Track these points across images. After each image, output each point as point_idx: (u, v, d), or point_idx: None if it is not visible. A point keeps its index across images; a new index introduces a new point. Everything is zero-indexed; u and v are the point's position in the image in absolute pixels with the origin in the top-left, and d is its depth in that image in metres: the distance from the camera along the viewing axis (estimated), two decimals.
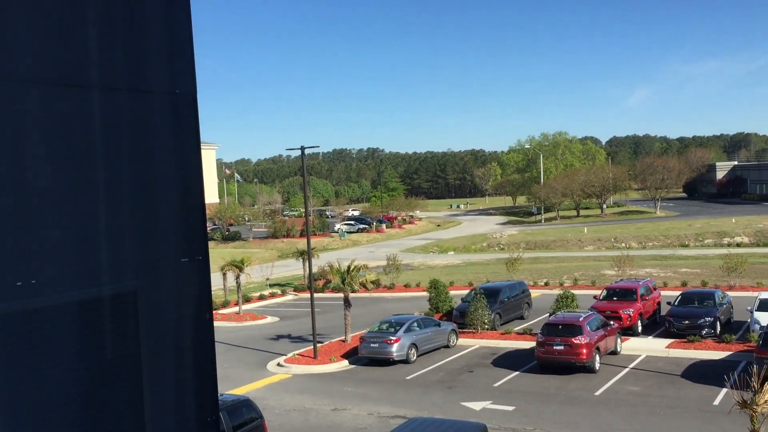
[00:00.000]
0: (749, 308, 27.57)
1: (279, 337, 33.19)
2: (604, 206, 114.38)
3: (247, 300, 43.01)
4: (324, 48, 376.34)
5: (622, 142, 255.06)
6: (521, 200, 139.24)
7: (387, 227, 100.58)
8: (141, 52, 3.88)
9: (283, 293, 47.49)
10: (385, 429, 18.40)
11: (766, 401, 11.74)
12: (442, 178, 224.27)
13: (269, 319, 38.45)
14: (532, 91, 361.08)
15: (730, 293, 32.86)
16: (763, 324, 24.10)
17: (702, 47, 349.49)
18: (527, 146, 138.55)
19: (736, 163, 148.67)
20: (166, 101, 4.03)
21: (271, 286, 49.94)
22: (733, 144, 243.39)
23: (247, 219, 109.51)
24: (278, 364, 27.80)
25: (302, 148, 30.14)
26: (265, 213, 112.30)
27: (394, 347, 26.26)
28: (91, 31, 3.60)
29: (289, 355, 28.78)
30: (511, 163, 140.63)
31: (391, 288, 44.92)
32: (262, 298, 45.06)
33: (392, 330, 27.00)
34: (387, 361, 26.50)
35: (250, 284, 47.18)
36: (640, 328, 29.06)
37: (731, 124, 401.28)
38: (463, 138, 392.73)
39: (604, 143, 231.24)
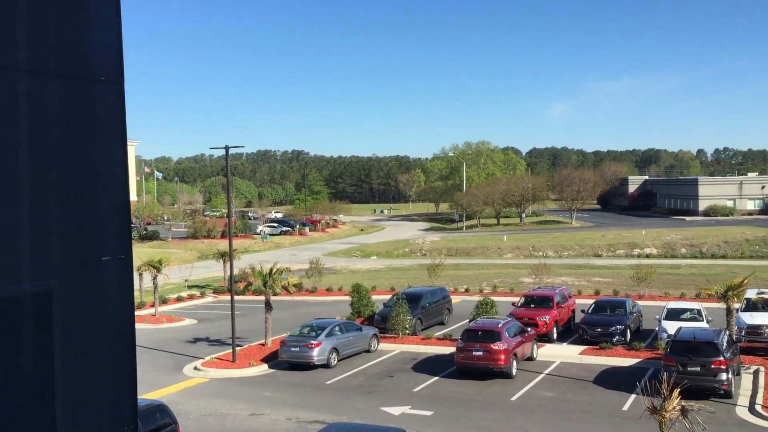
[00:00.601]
0: (657, 317, 28.76)
1: (197, 340, 32.38)
2: (523, 215, 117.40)
3: (164, 302, 41.78)
4: (250, 49, 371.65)
5: (542, 154, 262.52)
6: (444, 207, 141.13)
7: (310, 230, 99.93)
8: (66, 35, 3.63)
9: (202, 295, 46.42)
10: None
11: (674, 408, 12.25)
12: (367, 183, 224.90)
13: (187, 322, 37.48)
14: (457, 100, 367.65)
15: (640, 302, 34.27)
16: (671, 332, 25.18)
17: (618, 66, 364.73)
18: (451, 154, 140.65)
19: (646, 177, 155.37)
20: (92, 89, 3.78)
21: (190, 287, 48.73)
22: (644, 159, 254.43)
23: (166, 218, 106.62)
24: (195, 368, 27.10)
25: (226, 148, 29.57)
26: (186, 213, 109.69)
27: (315, 351, 26.06)
28: (19, 13, 3.34)
29: (207, 358, 28.12)
30: (434, 171, 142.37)
31: (313, 291, 44.61)
32: (180, 299, 43.89)
33: (313, 334, 26.80)
34: (307, 366, 26.26)
35: (168, 285, 45.91)
36: (555, 335, 29.88)
37: (643, 141, 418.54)
38: (389, 143, 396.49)
39: (524, 154, 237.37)
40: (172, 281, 45.47)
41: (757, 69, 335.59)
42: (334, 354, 26.75)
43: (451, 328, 33.13)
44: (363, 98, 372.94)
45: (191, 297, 45.40)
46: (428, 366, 26.40)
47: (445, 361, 26.57)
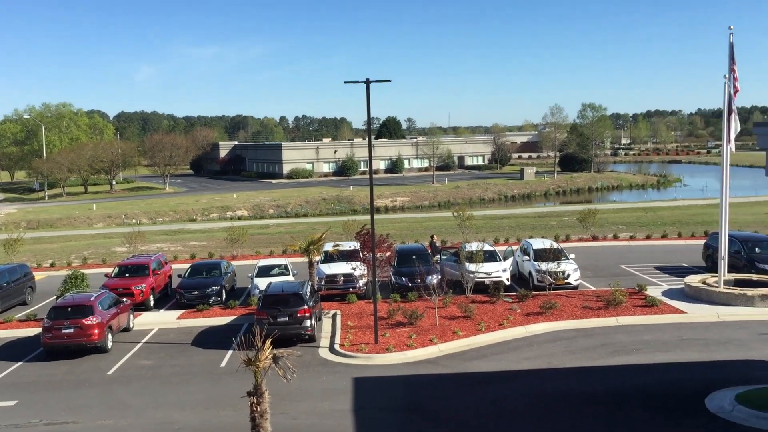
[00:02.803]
0: (250, 275, 30.41)
1: None
2: (114, 182, 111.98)
3: None
4: None
5: (131, 118, 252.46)
6: (20, 176, 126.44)
7: None
8: None
9: None
10: None
11: (266, 357, 13.15)
12: None
13: None
14: (33, 58, 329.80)
15: (234, 262, 35.77)
16: (262, 288, 26.84)
17: (205, 31, 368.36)
18: (27, 116, 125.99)
19: (236, 143, 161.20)
20: None
21: None
22: (233, 125, 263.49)
23: None
24: None
25: None
26: None
27: None
28: None
29: None
30: (7, 135, 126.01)
31: None
32: None
33: None
34: None
35: None
36: (152, 303, 29.42)
37: (232, 107, 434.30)
38: None
39: (112, 118, 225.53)
40: None
41: (318, 44, 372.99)
42: None
43: (36, 307, 30.20)
44: None
45: None
46: (9, 351, 23.68)
47: (31, 344, 24.19)
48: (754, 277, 28.07)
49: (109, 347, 23.43)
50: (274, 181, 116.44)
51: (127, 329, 25.80)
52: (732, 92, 25.32)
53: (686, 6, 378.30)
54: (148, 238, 47.74)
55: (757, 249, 30.45)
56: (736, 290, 26.16)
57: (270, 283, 25.97)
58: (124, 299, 26.52)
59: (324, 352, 22.50)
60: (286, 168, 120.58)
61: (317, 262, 30.37)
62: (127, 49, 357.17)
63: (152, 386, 19.86)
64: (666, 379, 18.57)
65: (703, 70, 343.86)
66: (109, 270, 33.11)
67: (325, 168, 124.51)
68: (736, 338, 22.08)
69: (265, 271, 30.03)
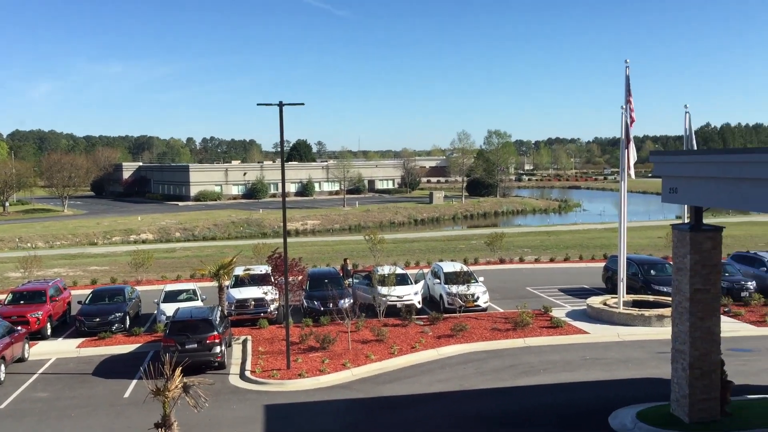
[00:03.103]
0: (156, 300, 29.37)
1: None
2: (7, 204, 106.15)
3: None
4: None
5: (27, 137, 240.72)
6: None
7: None
8: None
9: None
10: None
11: (177, 386, 12.69)
12: None
13: None
14: None
15: (139, 288, 34.48)
16: (169, 314, 25.97)
17: (107, 49, 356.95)
18: None
19: (140, 164, 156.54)
20: None
21: None
22: (137, 146, 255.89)
23: None
24: None
25: None
26: None
27: None
28: None
29: None
30: None
31: None
32: None
33: None
34: None
35: None
36: (49, 331, 27.90)
37: (136, 127, 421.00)
38: None
39: (6, 136, 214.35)
40: None
41: (236, 63, 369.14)
42: None
43: None
44: None
45: None
46: None
47: None
48: (651, 297, 29.50)
49: (2, 379, 21.99)
50: (180, 203, 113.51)
51: (21, 359, 24.32)
52: (629, 122, 26.74)
53: (583, 40, 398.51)
54: (45, 263, 45.41)
55: (652, 271, 32.06)
56: (635, 311, 27.39)
57: (178, 309, 25.15)
58: (19, 327, 25.02)
59: (234, 379, 21.93)
60: (194, 190, 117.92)
61: (227, 287, 29.73)
62: (23, 65, 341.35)
63: (48, 420, 18.73)
64: (572, 398, 19.16)
65: (600, 101, 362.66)
66: (1, 297, 31.18)
67: (234, 191, 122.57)
68: (636, 357, 23.09)
69: (172, 297, 29.10)
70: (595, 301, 29.24)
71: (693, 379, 16.34)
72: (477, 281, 30.54)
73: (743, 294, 30.41)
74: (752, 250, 38.64)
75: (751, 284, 31.22)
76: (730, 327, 24.88)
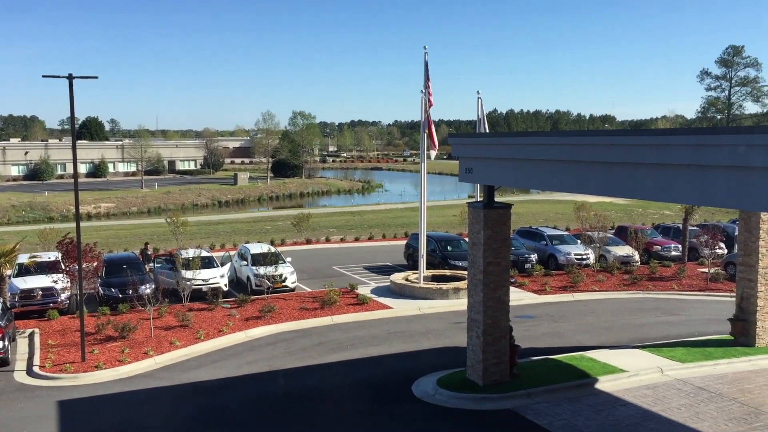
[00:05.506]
0: None
1: None
2: None
3: None
4: None
5: None
6: None
7: None
8: None
9: None
10: None
11: None
12: None
13: None
14: None
15: None
16: None
17: None
18: None
19: None
20: None
21: None
22: None
23: None
24: None
25: None
26: None
27: None
28: None
29: None
30: None
31: None
32: None
33: None
34: None
35: None
36: None
37: None
38: None
39: None
40: None
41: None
42: None
43: None
44: None
45: None
46: None
47: None
48: (448, 272, 31.39)
49: None
50: None
51: None
52: (427, 106, 28.09)
53: (383, 25, 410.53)
54: None
55: (449, 247, 34.10)
56: (434, 285, 29.01)
57: None
58: None
59: (20, 376, 20.07)
60: None
61: (9, 276, 27.08)
62: None
63: None
64: (378, 371, 19.89)
65: (400, 85, 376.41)
66: None
67: (14, 171, 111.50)
68: (435, 328, 24.48)
69: None
70: (398, 277, 30.52)
71: (486, 345, 17.68)
72: (285, 262, 30.53)
73: (527, 266, 33.39)
74: (534, 226, 42.48)
75: (534, 257, 34.37)
76: (515, 296, 27.17)
